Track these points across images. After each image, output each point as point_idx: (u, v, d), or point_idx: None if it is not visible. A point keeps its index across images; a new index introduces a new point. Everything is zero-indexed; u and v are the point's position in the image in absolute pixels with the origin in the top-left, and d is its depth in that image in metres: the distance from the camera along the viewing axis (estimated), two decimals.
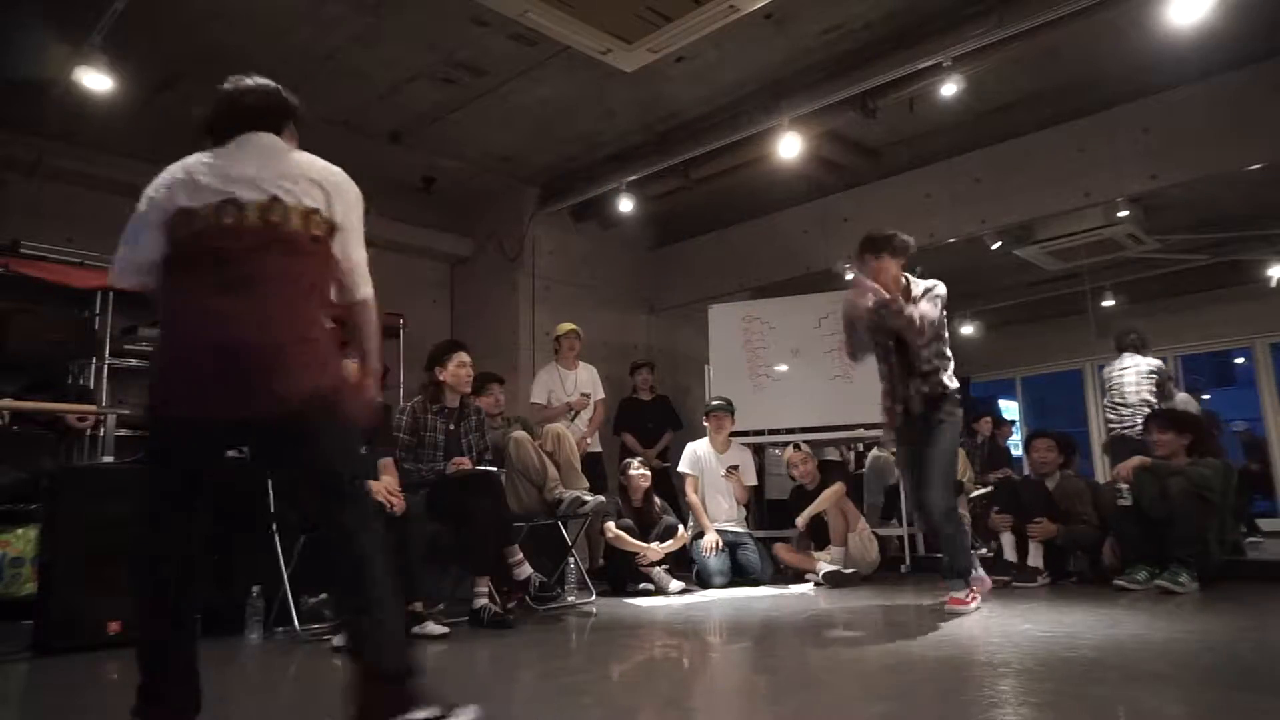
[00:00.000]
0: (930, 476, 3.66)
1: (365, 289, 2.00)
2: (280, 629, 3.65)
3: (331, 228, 1.94)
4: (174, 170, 2.06)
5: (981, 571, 3.89)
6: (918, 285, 3.81)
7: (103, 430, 4.74)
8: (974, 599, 3.64)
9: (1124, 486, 4.29)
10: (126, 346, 5.06)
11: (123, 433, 4.85)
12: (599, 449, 5.94)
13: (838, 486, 5.23)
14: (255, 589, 3.58)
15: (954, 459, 3.84)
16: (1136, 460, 4.41)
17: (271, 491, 3.72)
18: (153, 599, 1.92)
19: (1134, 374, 5.77)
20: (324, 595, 3.72)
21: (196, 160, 2.06)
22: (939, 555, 4.19)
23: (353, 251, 1.98)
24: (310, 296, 1.89)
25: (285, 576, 3.60)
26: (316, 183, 1.98)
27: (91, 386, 4.88)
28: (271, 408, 1.77)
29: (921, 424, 3.74)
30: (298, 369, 1.79)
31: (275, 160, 2.01)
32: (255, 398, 1.76)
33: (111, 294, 4.99)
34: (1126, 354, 5.89)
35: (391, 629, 1.79)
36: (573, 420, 5.72)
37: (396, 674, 1.74)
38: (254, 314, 1.80)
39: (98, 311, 5.00)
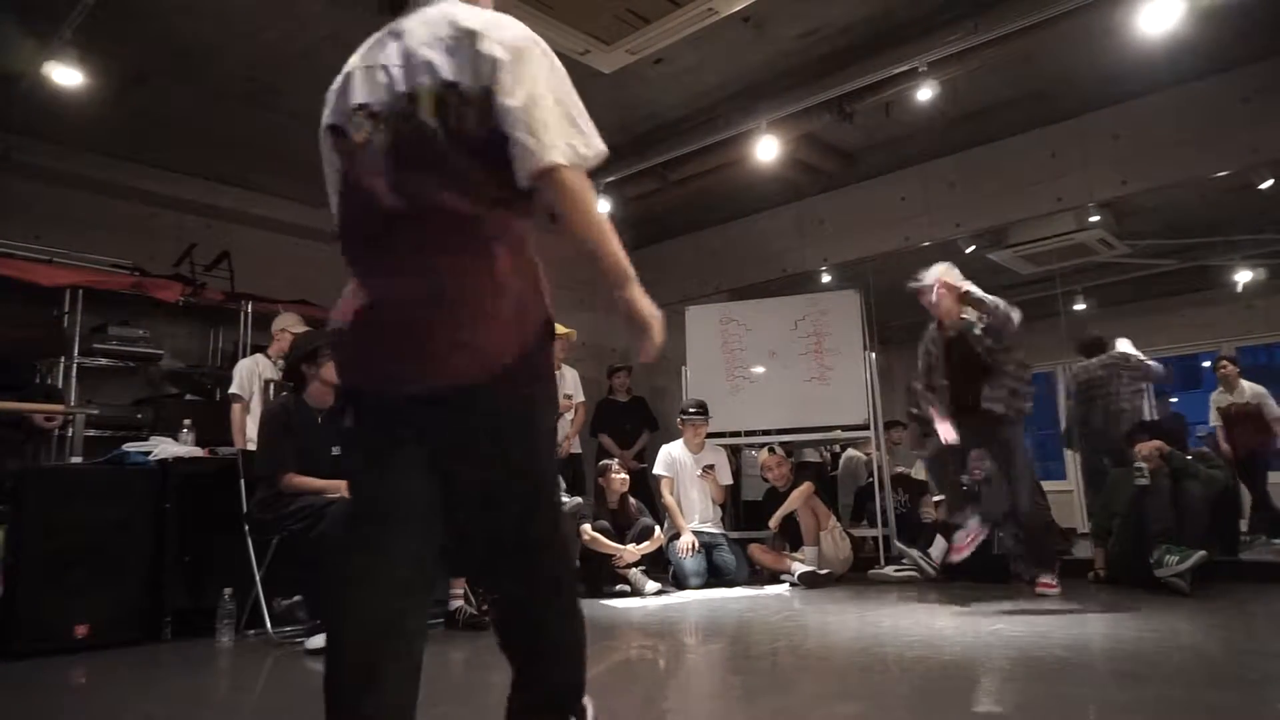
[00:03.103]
0: (1017, 474, 4.10)
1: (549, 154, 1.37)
2: (252, 632, 3.61)
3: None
4: None
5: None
6: (971, 312, 4.16)
7: (71, 430, 4.66)
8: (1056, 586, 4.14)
9: (1143, 466, 4.34)
10: (96, 345, 4.99)
11: (91, 433, 4.78)
12: (579, 450, 5.93)
13: (805, 486, 5.27)
14: (227, 591, 3.54)
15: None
16: (1157, 443, 4.47)
17: (243, 491, 3.68)
18: None
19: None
20: (297, 597, 3.69)
21: None
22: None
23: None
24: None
25: (258, 578, 3.57)
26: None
27: (60, 385, 4.80)
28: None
29: (986, 430, 4.13)
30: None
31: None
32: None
33: (81, 292, 4.92)
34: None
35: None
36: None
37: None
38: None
39: (66, 310, 4.92)
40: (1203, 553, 3.95)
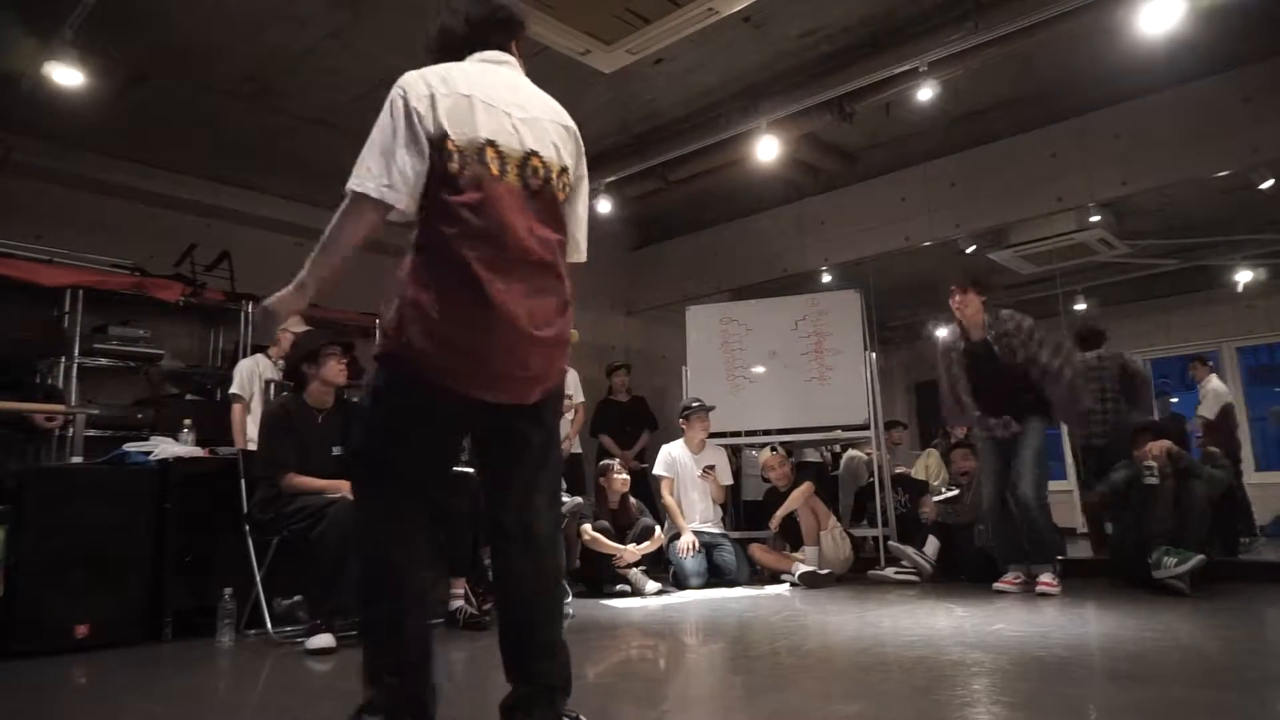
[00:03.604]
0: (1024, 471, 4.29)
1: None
2: (253, 632, 3.61)
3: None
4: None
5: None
6: (1003, 323, 4.35)
7: (71, 430, 4.67)
8: (1056, 585, 4.15)
9: (1152, 464, 4.35)
10: (96, 345, 4.99)
11: (92, 433, 4.78)
12: (579, 450, 5.93)
13: (805, 485, 5.27)
14: (227, 591, 3.54)
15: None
16: (1166, 443, 4.48)
17: (244, 491, 3.69)
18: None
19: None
20: (297, 597, 3.69)
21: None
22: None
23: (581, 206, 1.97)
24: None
25: (258, 578, 3.56)
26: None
27: (60, 385, 4.80)
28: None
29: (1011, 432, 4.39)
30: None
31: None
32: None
33: (81, 292, 4.92)
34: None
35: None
36: None
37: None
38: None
39: (66, 310, 4.92)
40: (1201, 556, 3.95)
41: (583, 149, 1.95)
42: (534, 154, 1.79)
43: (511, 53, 1.94)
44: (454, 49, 1.90)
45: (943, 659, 2.70)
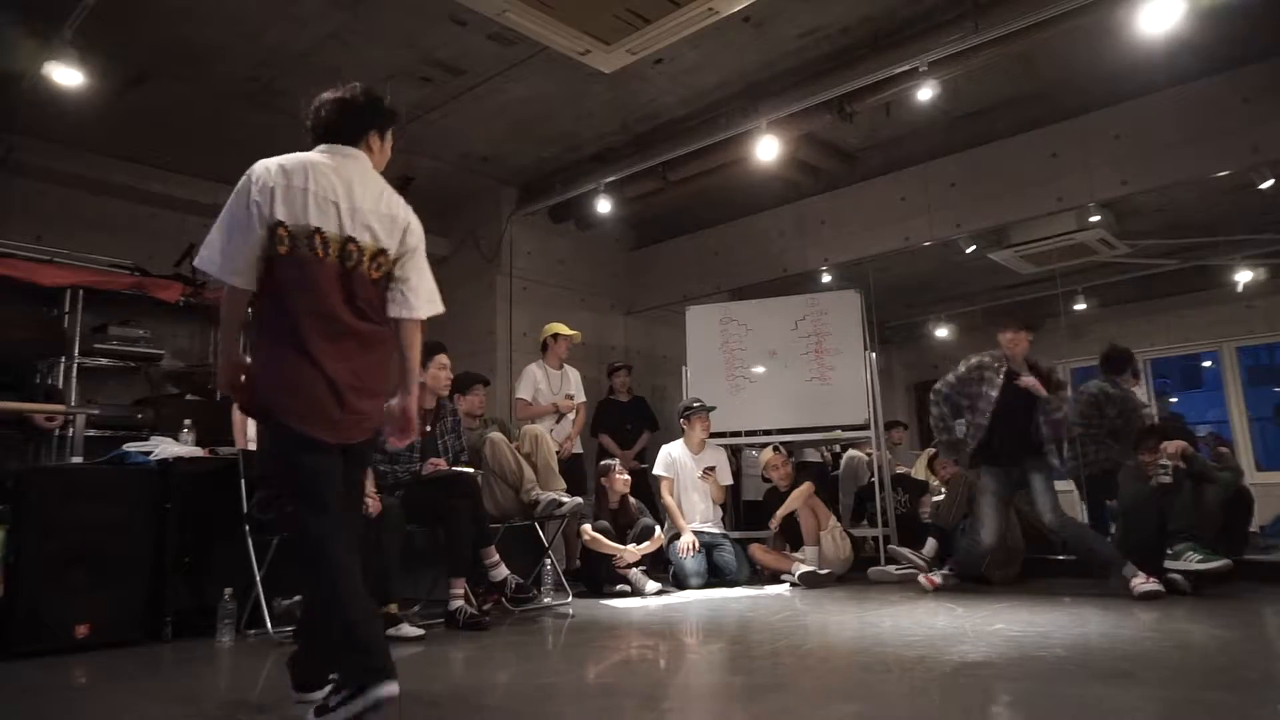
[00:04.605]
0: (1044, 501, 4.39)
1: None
2: (252, 632, 3.61)
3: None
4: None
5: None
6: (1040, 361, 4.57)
7: (71, 430, 4.67)
8: (1152, 580, 3.98)
9: (1168, 464, 4.37)
10: (96, 345, 4.99)
11: (92, 433, 4.78)
12: (579, 450, 5.93)
13: (805, 485, 5.27)
14: (227, 591, 3.54)
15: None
16: (1181, 443, 4.50)
17: (244, 491, 3.68)
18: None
19: None
20: (297, 598, 3.68)
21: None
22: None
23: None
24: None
25: (258, 578, 3.57)
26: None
27: (60, 385, 4.80)
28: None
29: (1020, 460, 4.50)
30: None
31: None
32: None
33: (81, 292, 4.92)
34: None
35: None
36: (558, 422, 5.72)
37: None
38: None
39: (66, 310, 4.92)
40: (1228, 561, 3.99)
41: (410, 230, 2.29)
42: (351, 240, 2.15)
43: (368, 144, 2.33)
44: (315, 136, 2.27)
45: (943, 659, 2.70)
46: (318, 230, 2.10)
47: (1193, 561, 4.00)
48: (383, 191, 2.28)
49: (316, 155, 2.21)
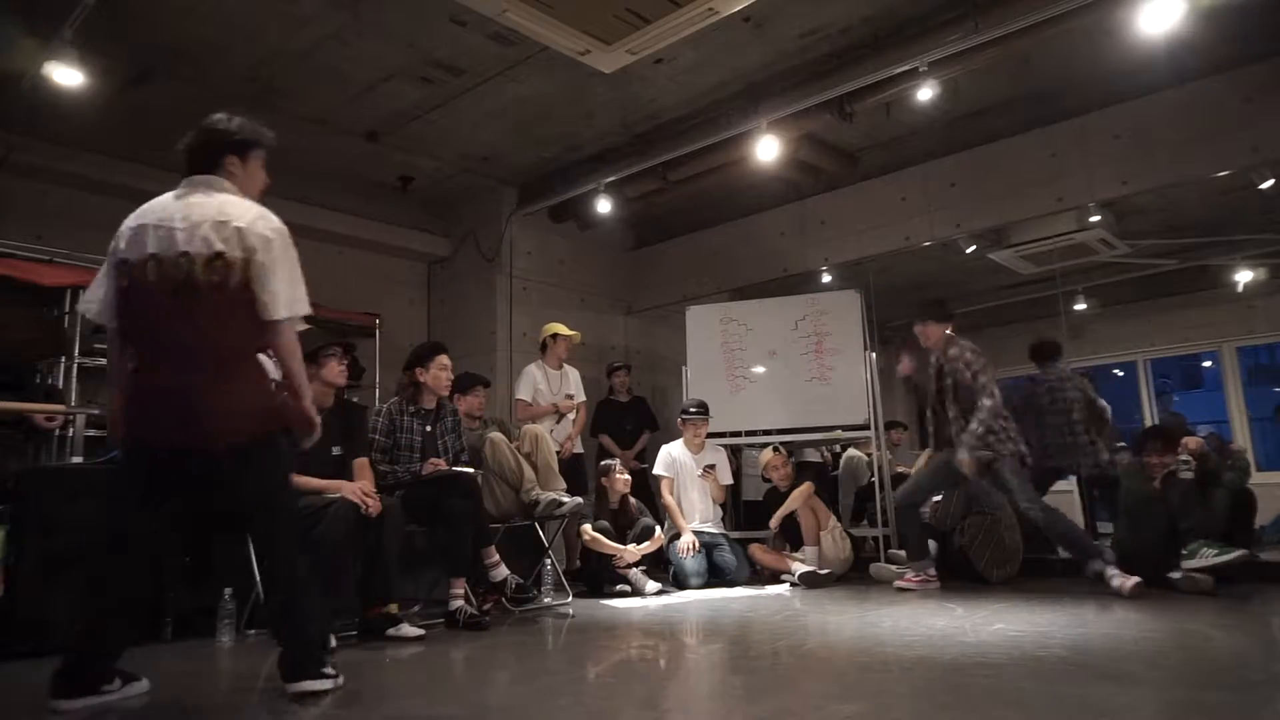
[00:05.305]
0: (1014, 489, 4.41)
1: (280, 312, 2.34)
2: (253, 632, 3.61)
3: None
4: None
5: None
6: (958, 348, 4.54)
7: (71, 430, 4.66)
8: (1130, 579, 3.97)
9: (1189, 459, 4.41)
10: (96, 345, 4.98)
11: (92, 433, 4.78)
12: (580, 450, 5.93)
13: (805, 485, 5.27)
14: (227, 591, 3.54)
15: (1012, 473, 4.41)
16: (1200, 440, 4.56)
17: None
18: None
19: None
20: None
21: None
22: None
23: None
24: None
25: (258, 578, 3.55)
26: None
27: (60, 386, 4.80)
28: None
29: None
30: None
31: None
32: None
33: (81, 292, 4.90)
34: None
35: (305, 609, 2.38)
36: (558, 422, 5.72)
37: (304, 645, 2.38)
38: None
39: (67, 310, 4.92)
40: (1243, 551, 4.02)
41: (250, 230, 2.35)
42: (184, 254, 2.28)
43: (227, 170, 2.47)
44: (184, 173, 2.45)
45: (943, 659, 2.70)
46: (153, 256, 2.29)
47: (1209, 557, 4.00)
48: (225, 203, 2.37)
49: (171, 192, 2.40)
